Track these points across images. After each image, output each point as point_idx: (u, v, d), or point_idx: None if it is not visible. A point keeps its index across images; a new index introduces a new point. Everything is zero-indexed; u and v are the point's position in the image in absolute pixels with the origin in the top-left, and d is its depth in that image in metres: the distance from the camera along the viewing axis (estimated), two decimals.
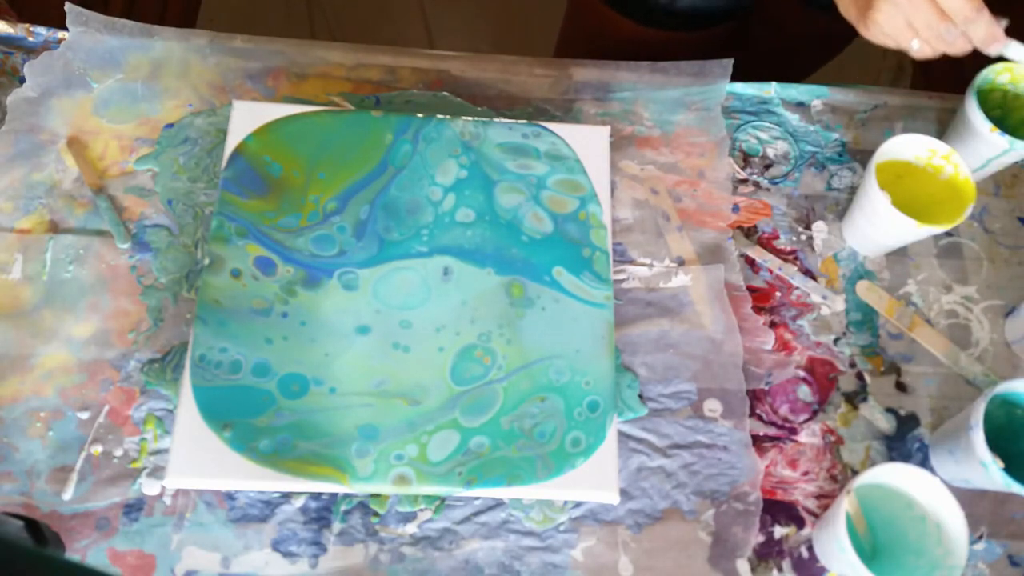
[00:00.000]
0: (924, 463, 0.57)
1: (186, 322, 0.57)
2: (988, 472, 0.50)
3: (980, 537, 0.56)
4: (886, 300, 0.62)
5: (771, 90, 0.69)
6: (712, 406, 0.58)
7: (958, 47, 0.53)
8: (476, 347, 0.55)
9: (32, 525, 0.46)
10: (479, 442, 0.53)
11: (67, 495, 0.53)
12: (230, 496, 0.53)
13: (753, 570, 0.54)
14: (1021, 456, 0.54)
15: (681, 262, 0.62)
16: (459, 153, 0.61)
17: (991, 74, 0.61)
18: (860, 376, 0.60)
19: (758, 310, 0.61)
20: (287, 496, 0.54)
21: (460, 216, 0.59)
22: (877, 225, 0.59)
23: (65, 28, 0.65)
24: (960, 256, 0.64)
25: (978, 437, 0.50)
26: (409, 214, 0.59)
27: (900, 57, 1.47)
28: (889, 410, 0.59)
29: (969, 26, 0.52)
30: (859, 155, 0.67)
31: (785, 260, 0.63)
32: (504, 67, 0.68)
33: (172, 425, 0.53)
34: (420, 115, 0.62)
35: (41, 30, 0.66)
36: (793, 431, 0.58)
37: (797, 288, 0.62)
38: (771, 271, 0.63)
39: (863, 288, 0.62)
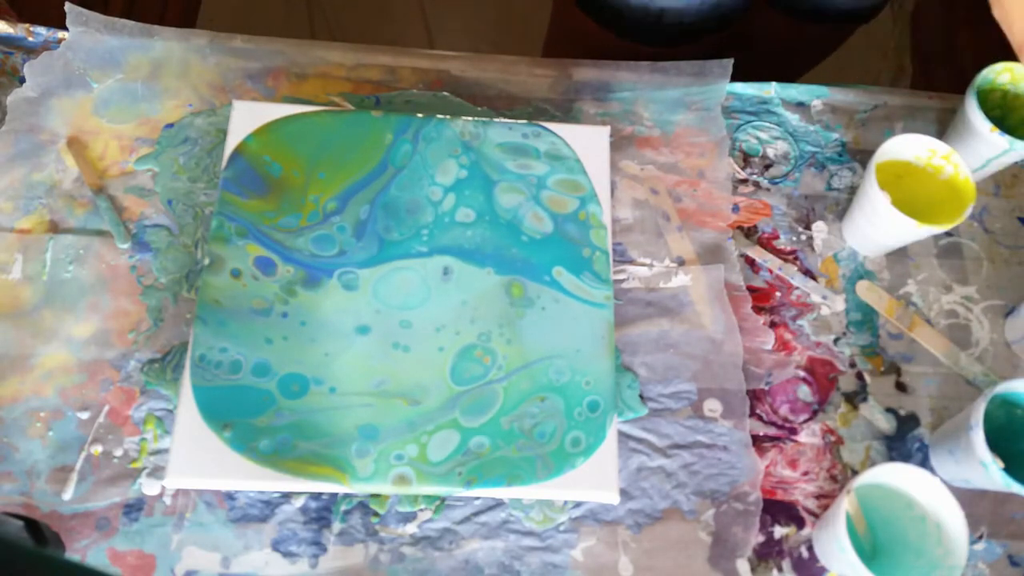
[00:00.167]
0: (924, 463, 0.57)
1: (186, 322, 0.57)
2: (988, 472, 0.50)
3: (980, 537, 0.56)
4: (886, 300, 0.62)
5: (771, 90, 0.69)
6: (712, 406, 0.58)
7: None
8: (476, 347, 0.55)
9: (32, 525, 0.46)
10: (479, 442, 0.53)
11: (67, 495, 0.53)
12: (230, 496, 0.53)
13: (753, 570, 0.54)
14: (1021, 456, 0.54)
15: (681, 262, 0.62)
16: (459, 153, 0.61)
17: (991, 74, 0.61)
18: (860, 376, 0.60)
19: (758, 310, 0.61)
20: (287, 496, 0.54)
21: (460, 216, 0.59)
22: (877, 225, 0.59)
23: (65, 28, 0.65)
24: (960, 256, 0.64)
25: (978, 437, 0.50)
26: (409, 214, 0.59)
27: (900, 57, 1.47)
28: (889, 410, 0.59)
29: None
30: (859, 155, 0.67)
31: (785, 260, 0.63)
32: (504, 67, 0.68)
33: (172, 425, 0.53)
34: (420, 115, 0.62)
35: (41, 30, 0.66)
36: (793, 431, 0.58)
37: (797, 288, 0.62)
38: (771, 271, 0.63)
39: (863, 288, 0.62)
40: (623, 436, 0.57)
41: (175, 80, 0.65)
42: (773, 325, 0.61)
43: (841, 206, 0.66)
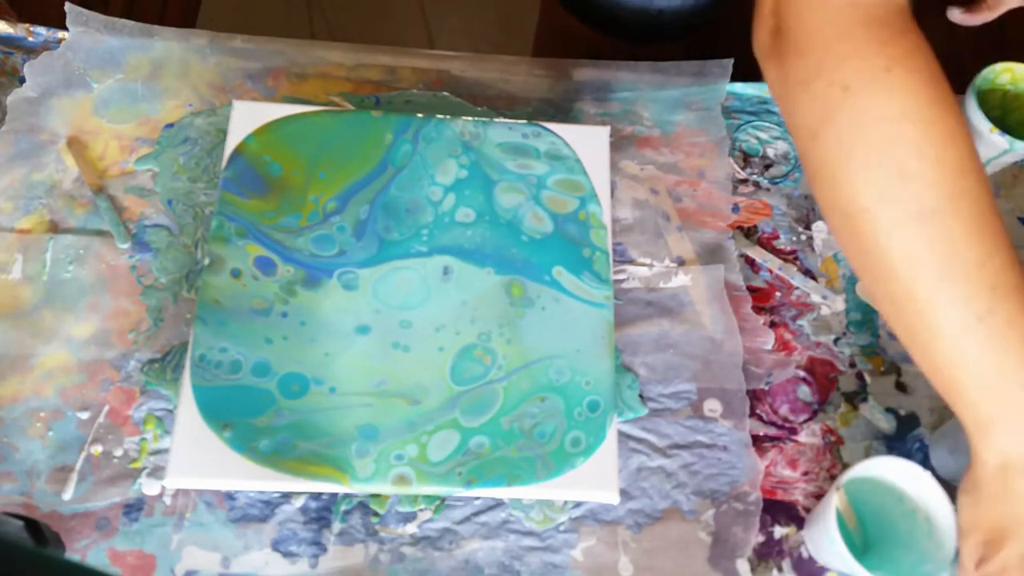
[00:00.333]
0: (924, 463, 0.57)
1: (186, 322, 0.57)
2: None
3: None
4: None
5: None
6: (712, 406, 0.58)
7: None
8: (476, 347, 0.55)
9: (32, 525, 0.46)
10: (479, 442, 0.53)
11: (67, 495, 0.53)
12: (230, 496, 0.53)
13: (753, 570, 0.54)
14: None
15: (681, 262, 0.62)
16: (459, 153, 0.61)
17: (991, 74, 0.61)
18: (860, 376, 0.60)
19: (758, 310, 0.61)
20: (287, 496, 0.54)
21: (460, 216, 0.59)
22: None
23: (65, 28, 0.65)
24: None
25: None
26: (409, 214, 0.59)
27: None
28: (889, 410, 0.59)
29: None
30: None
31: (785, 260, 0.63)
32: (504, 67, 0.68)
33: (172, 425, 0.53)
34: (420, 115, 0.62)
35: (41, 30, 0.66)
36: (793, 431, 0.58)
37: (797, 288, 0.62)
38: (771, 271, 0.63)
39: (863, 288, 0.62)
40: (623, 436, 0.57)
41: (175, 80, 0.65)
42: (773, 325, 0.61)
43: None
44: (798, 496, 0.56)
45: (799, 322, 0.61)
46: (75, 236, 0.59)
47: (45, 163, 0.61)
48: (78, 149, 0.62)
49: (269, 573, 0.52)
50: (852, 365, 0.60)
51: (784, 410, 0.59)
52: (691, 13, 0.74)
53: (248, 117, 0.60)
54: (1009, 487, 0.42)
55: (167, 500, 0.53)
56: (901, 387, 0.60)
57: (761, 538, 0.55)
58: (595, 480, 0.52)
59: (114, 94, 0.64)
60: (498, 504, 0.55)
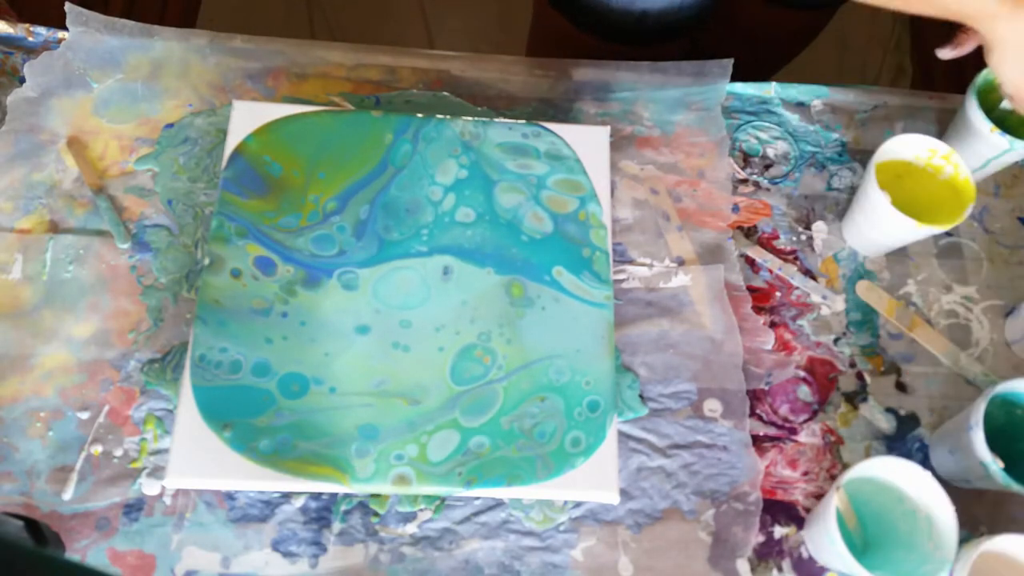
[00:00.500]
0: (924, 463, 0.57)
1: (186, 322, 0.57)
2: (988, 472, 0.50)
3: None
4: (886, 300, 0.62)
5: (771, 90, 0.69)
6: (712, 406, 0.58)
7: None
8: (476, 347, 0.55)
9: (32, 525, 0.46)
10: (479, 442, 0.53)
11: (67, 495, 0.53)
12: (230, 496, 0.53)
13: (753, 570, 0.54)
14: (1021, 456, 0.54)
15: (681, 262, 0.62)
16: (459, 153, 0.61)
17: (991, 74, 0.61)
18: (860, 376, 0.60)
19: (758, 310, 0.61)
20: (287, 496, 0.54)
21: (460, 216, 0.59)
22: (877, 225, 0.59)
23: (65, 28, 0.65)
24: (960, 256, 0.64)
25: (978, 437, 0.50)
26: (409, 214, 0.59)
27: (900, 57, 1.47)
28: (889, 410, 0.59)
29: None
30: (859, 155, 0.67)
31: (785, 260, 0.63)
32: (504, 67, 0.68)
33: (172, 425, 0.53)
34: (420, 115, 0.62)
35: (41, 30, 0.66)
36: (793, 431, 0.58)
37: (797, 288, 0.62)
38: (771, 271, 0.63)
39: (863, 288, 0.62)
40: (623, 436, 0.57)
41: (175, 80, 0.65)
42: (773, 325, 0.61)
43: (841, 206, 0.66)
44: (798, 496, 0.56)
45: (799, 322, 0.61)
46: (75, 236, 0.59)
47: (45, 163, 0.62)
48: (78, 149, 0.62)
49: (269, 573, 0.52)
50: (852, 365, 0.60)
51: (784, 410, 0.59)
52: (676, 16, 0.74)
53: (248, 117, 0.60)
54: None
55: (167, 500, 0.53)
56: (901, 387, 0.60)
57: (761, 538, 0.55)
58: (595, 480, 0.52)
59: (114, 94, 0.64)
60: (498, 504, 0.55)
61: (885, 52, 1.49)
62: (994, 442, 0.52)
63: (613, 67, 0.68)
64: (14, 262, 0.58)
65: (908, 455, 0.58)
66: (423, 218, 0.59)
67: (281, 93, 0.66)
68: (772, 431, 0.58)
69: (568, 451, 0.53)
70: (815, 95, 0.69)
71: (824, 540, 0.50)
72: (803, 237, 0.64)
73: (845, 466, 0.57)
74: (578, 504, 0.55)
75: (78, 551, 0.51)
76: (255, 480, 0.51)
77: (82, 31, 0.65)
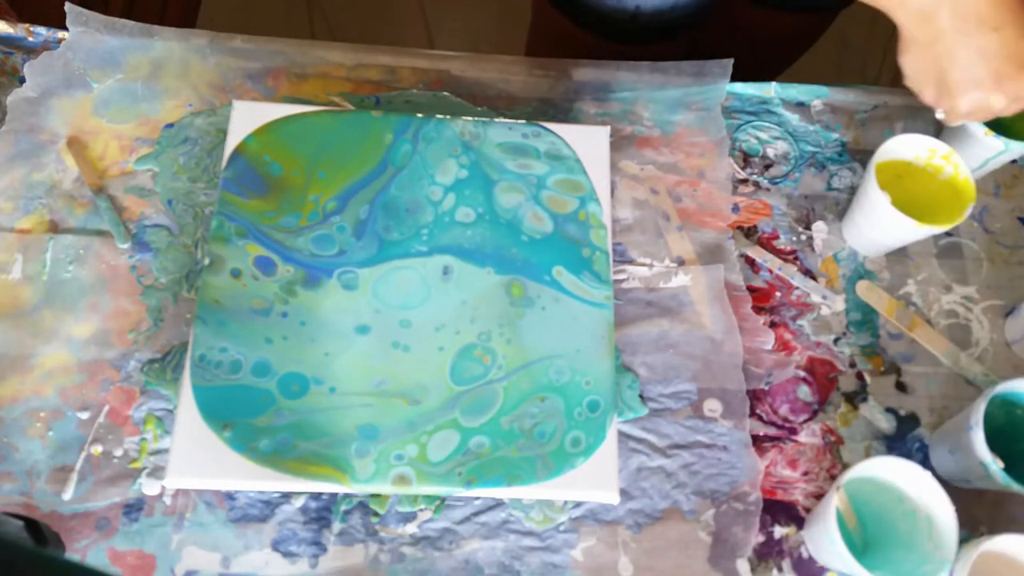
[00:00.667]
0: (924, 463, 0.57)
1: (186, 322, 0.57)
2: (988, 472, 0.50)
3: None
4: (886, 300, 0.62)
5: (771, 90, 0.69)
6: (712, 406, 0.58)
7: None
8: (476, 346, 0.55)
9: (32, 525, 0.46)
10: (479, 442, 0.53)
11: (67, 495, 0.53)
12: (230, 496, 0.53)
13: (753, 570, 0.54)
14: (1021, 456, 0.54)
15: (681, 262, 0.62)
16: (459, 153, 0.61)
17: None
18: (860, 376, 0.60)
19: (758, 310, 0.61)
20: (287, 496, 0.54)
21: (460, 216, 0.59)
22: (877, 225, 0.59)
23: (65, 28, 0.65)
24: (960, 256, 0.64)
25: (978, 437, 0.50)
26: (409, 214, 0.59)
27: None
28: (889, 410, 0.59)
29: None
30: (859, 155, 0.67)
31: (785, 260, 0.63)
32: (504, 67, 0.68)
33: (172, 425, 0.53)
34: (420, 115, 0.62)
35: (41, 30, 0.66)
36: (793, 431, 0.58)
37: (797, 288, 0.62)
38: (771, 271, 0.63)
39: (863, 288, 0.62)
40: (623, 436, 0.57)
41: (175, 80, 0.65)
42: (773, 325, 0.61)
43: (841, 206, 0.66)
44: (798, 496, 0.56)
45: (799, 322, 0.61)
46: (75, 236, 0.59)
47: (45, 163, 0.62)
48: (78, 149, 0.62)
49: (269, 573, 0.52)
50: (852, 365, 0.60)
51: (784, 410, 0.59)
52: (670, 15, 0.74)
53: (248, 117, 0.60)
54: (935, 28, 0.49)
55: (167, 500, 0.53)
56: (901, 387, 0.60)
57: (761, 538, 0.55)
58: (595, 480, 0.52)
59: (114, 94, 0.64)
60: (498, 504, 0.55)
61: (885, 52, 1.49)
62: (994, 442, 0.52)
63: (613, 67, 0.68)
64: (14, 262, 0.58)
65: (908, 455, 0.58)
66: (423, 218, 0.59)
67: (281, 93, 0.66)
68: (772, 431, 0.58)
69: (568, 451, 0.53)
70: (815, 95, 0.69)
71: (824, 540, 0.50)
72: (803, 237, 0.64)
73: (845, 466, 0.57)
74: (578, 504, 0.55)
75: (78, 551, 0.51)
76: (255, 480, 0.51)
77: (82, 31, 0.65)
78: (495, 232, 0.59)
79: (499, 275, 0.57)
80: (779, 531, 0.55)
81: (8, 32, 0.66)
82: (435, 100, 0.67)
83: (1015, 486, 0.50)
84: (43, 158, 0.62)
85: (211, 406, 0.52)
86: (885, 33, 1.49)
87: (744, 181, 0.66)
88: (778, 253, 0.63)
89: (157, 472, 0.54)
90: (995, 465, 0.50)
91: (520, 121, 0.62)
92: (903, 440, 0.58)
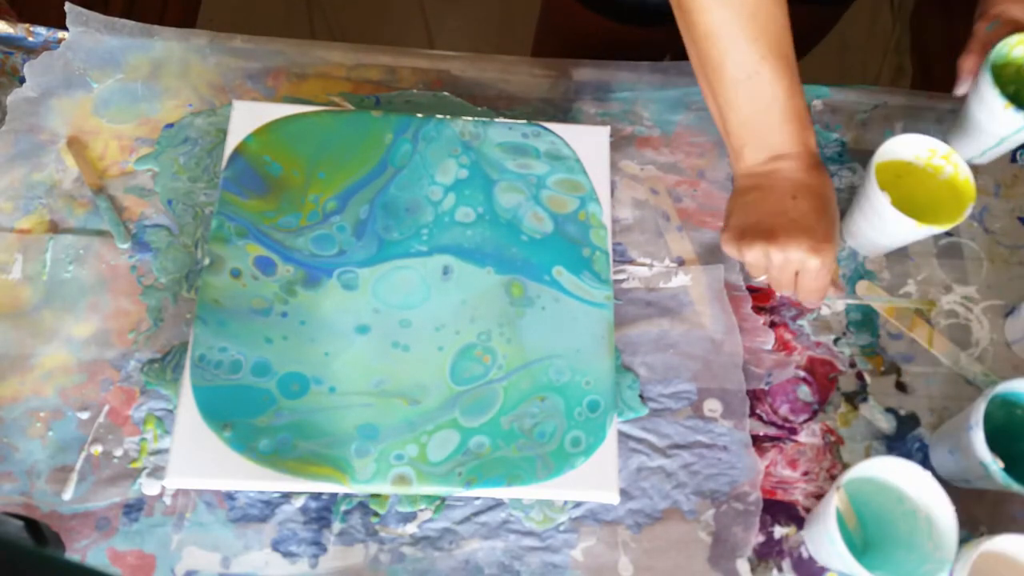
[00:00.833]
0: (924, 463, 0.57)
1: (186, 322, 0.57)
2: (988, 472, 0.50)
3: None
4: (886, 300, 0.62)
5: None
6: (712, 406, 0.58)
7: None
8: (476, 346, 0.55)
9: (32, 525, 0.46)
10: (479, 442, 0.53)
11: (67, 495, 0.53)
12: (230, 496, 0.53)
13: (753, 570, 0.54)
14: (1021, 456, 0.54)
15: (681, 262, 0.62)
16: (459, 153, 0.61)
17: (1005, 48, 0.59)
18: (860, 376, 0.60)
19: (758, 310, 0.61)
20: (287, 496, 0.54)
21: (460, 215, 0.59)
22: (877, 225, 0.59)
23: (65, 28, 0.65)
24: (960, 256, 0.64)
25: (978, 437, 0.50)
26: (409, 213, 0.59)
27: (900, 57, 1.47)
28: (889, 410, 0.59)
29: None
30: (859, 155, 0.67)
31: None
32: (504, 67, 0.68)
33: (172, 425, 0.53)
34: (420, 115, 0.62)
35: (41, 30, 0.66)
36: (793, 431, 0.58)
37: None
38: None
39: (863, 288, 0.62)
40: (623, 436, 0.57)
41: (175, 80, 0.65)
42: (773, 325, 0.61)
43: (841, 206, 0.65)
44: (798, 496, 0.56)
45: (799, 322, 0.61)
46: (75, 236, 0.59)
47: (45, 163, 0.62)
48: (78, 149, 0.62)
49: (269, 573, 0.52)
50: (852, 365, 0.60)
51: (784, 410, 0.59)
52: None
53: (248, 117, 0.60)
54: (745, 198, 0.54)
55: (167, 500, 0.53)
56: (901, 387, 0.60)
57: (761, 538, 0.55)
58: (595, 480, 0.52)
59: (114, 94, 0.64)
60: (498, 504, 0.55)
61: (885, 52, 1.49)
62: (994, 442, 0.52)
63: (613, 67, 0.68)
64: (14, 262, 0.58)
65: (908, 455, 0.58)
66: (423, 218, 0.59)
67: (281, 93, 0.66)
68: (772, 431, 0.58)
69: (568, 451, 0.53)
70: (815, 95, 0.69)
71: (824, 540, 0.50)
72: None
73: (845, 466, 0.57)
74: (578, 504, 0.55)
75: (78, 551, 0.51)
76: (255, 480, 0.51)
77: (82, 31, 0.65)
78: (495, 232, 0.59)
79: (499, 275, 0.57)
80: (779, 531, 0.55)
81: (8, 32, 0.66)
82: (435, 100, 0.67)
83: (1015, 486, 0.50)
84: (43, 158, 0.62)
85: (211, 406, 0.52)
86: (885, 33, 1.49)
87: None
88: None
89: (157, 472, 0.54)
90: (995, 465, 0.50)
91: (520, 121, 0.62)
92: (903, 440, 0.58)
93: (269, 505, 0.53)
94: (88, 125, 0.63)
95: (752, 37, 0.50)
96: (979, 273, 0.64)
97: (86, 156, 0.62)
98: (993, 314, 0.62)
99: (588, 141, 0.62)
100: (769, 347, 0.60)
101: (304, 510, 0.54)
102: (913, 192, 0.60)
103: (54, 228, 0.60)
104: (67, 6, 0.65)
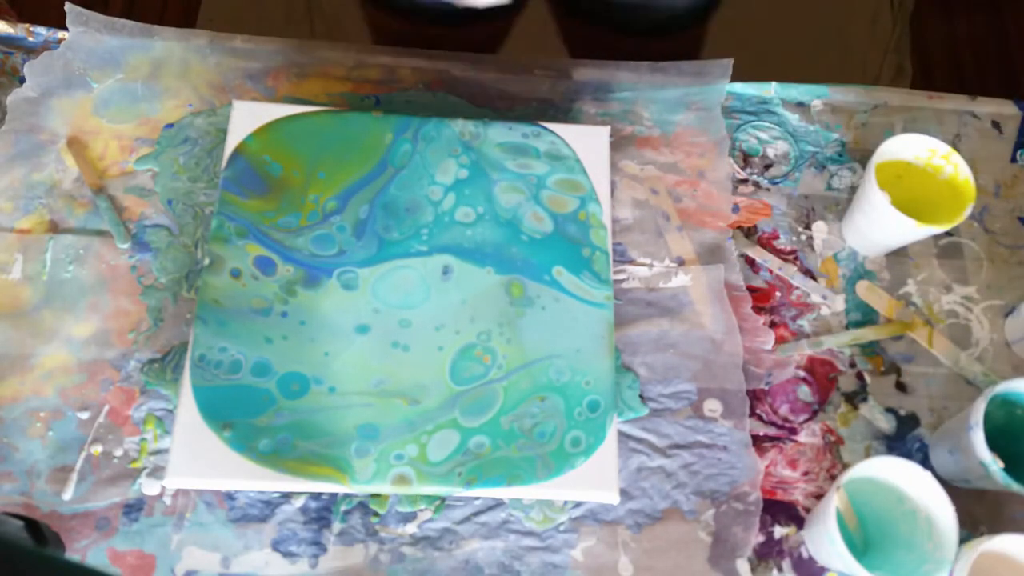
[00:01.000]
0: (924, 463, 0.57)
1: (186, 322, 0.57)
2: (988, 472, 0.50)
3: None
4: (886, 300, 0.62)
5: (771, 90, 0.69)
6: (712, 406, 0.58)
7: None
8: (476, 346, 0.55)
9: (32, 525, 0.46)
10: (479, 442, 0.53)
11: (67, 495, 0.53)
12: (230, 496, 0.53)
13: (753, 570, 0.54)
14: (1021, 456, 0.54)
15: (681, 262, 0.62)
16: (459, 153, 0.61)
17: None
18: (860, 376, 0.60)
19: (758, 310, 0.61)
20: (287, 496, 0.54)
21: (460, 215, 0.59)
22: (877, 225, 0.59)
23: (65, 28, 0.65)
24: (960, 256, 0.64)
25: (978, 437, 0.50)
26: (409, 213, 0.59)
27: (900, 57, 1.47)
28: (889, 410, 0.59)
29: None
30: (859, 155, 0.67)
31: (785, 260, 0.63)
32: (504, 67, 0.68)
33: (172, 425, 0.53)
34: (420, 115, 0.62)
35: (41, 30, 0.66)
36: (793, 431, 0.58)
37: (797, 288, 0.62)
38: (771, 271, 0.63)
39: (863, 288, 0.62)
40: (623, 436, 0.57)
41: (175, 80, 0.65)
42: (773, 325, 0.61)
43: (841, 206, 0.65)
44: (798, 496, 0.56)
45: (799, 322, 0.61)
46: (75, 236, 0.59)
47: (45, 163, 0.61)
48: (78, 149, 0.62)
49: (269, 573, 0.52)
50: (852, 365, 0.60)
51: (784, 410, 0.59)
52: (686, 2, 0.74)
53: (248, 117, 0.60)
54: None
55: (167, 500, 0.53)
56: (901, 387, 0.60)
57: (761, 538, 0.55)
58: (595, 480, 0.52)
59: (114, 94, 0.64)
60: (498, 504, 0.55)
61: (885, 52, 1.49)
62: (994, 442, 0.52)
63: (613, 67, 0.68)
64: (14, 262, 0.58)
65: (908, 455, 0.58)
66: (423, 218, 0.59)
67: (281, 93, 0.66)
68: (772, 431, 0.58)
69: (568, 451, 0.53)
70: (815, 95, 0.69)
71: (824, 540, 0.50)
72: (803, 237, 0.64)
73: (845, 466, 0.57)
74: (578, 504, 0.55)
75: (78, 551, 0.51)
76: (255, 480, 0.51)
77: (82, 31, 0.65)
78: (495, 232, 0.59)
79: (499, 275, 0.57)
80: (779, 531, 0.55)
81: (8, 32, 0.66)
82: (435, 100, 0.67)
83: (1015, 486, 0.50)
84: (43, 158, 0.62)
85: (211, 406, 0.52)
86: (885, 33, 1.49)
87: (744, 181, 0.66)
88: (778, 253, 0.63)
89: (157, 472, 0.54)
90: (995, 465, 0.50)
91: (520, 121, 0.62)
92: (903, 440, 0.58)
93: (269, 505, 0.53)
94: (88, 125, 0.63)
95: None
96: (979, 273, 0.64)
97: (86, 156, 0.62)
98: (993, 314, 0.62)
99: (588, 141, 0.62)
100: (769, 347, 0.60)
101: (304, 510, 0.54)
102: (913, 192, 0.60)
103: (54, 228, 0.60)
104: (67, 6, 0.65)
